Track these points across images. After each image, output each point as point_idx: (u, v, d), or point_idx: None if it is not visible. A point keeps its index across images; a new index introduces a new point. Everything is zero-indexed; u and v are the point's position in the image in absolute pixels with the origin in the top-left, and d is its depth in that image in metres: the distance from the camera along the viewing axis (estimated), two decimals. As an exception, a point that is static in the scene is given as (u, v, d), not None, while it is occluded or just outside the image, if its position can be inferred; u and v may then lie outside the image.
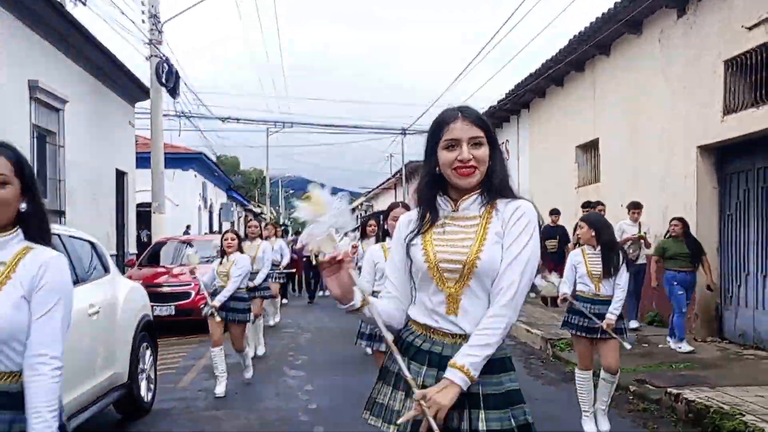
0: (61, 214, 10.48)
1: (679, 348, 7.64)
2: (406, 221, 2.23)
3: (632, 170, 10.09)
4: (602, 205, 9.20)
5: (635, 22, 9.62)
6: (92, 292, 4.76)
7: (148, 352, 5.92)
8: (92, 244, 5.31)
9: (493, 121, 16.59)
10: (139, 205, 15.83)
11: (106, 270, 5.33)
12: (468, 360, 1.96)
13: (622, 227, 8.83)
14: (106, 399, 4.85)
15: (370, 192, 43.32)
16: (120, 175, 13.99)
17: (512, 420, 2.01)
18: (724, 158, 8.47)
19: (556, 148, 13.33)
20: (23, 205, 2.01)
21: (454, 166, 2.06)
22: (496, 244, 2.05)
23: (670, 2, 8.71)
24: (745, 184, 8.13)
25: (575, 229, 5.82)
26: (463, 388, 1.95)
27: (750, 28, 7.35)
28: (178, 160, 21.55)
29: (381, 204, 40.93)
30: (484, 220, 2.09)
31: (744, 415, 4.90)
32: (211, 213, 28.40)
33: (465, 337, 2.04)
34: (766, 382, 6.04)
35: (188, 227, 20.55)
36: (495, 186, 2.09)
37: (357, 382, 6.36)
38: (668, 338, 8.00)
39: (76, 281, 4.51)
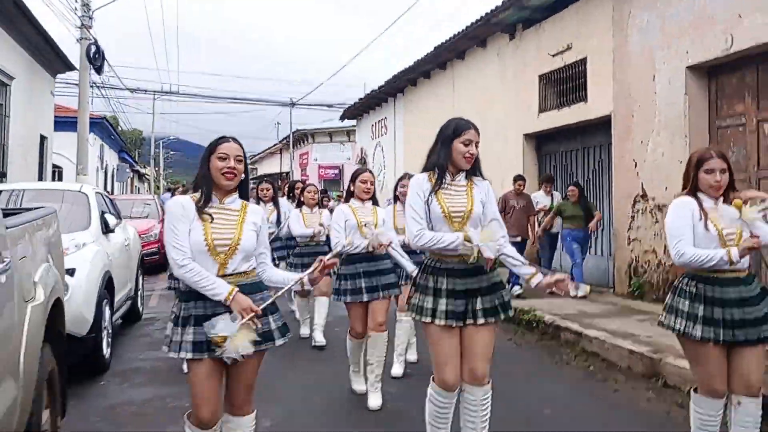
0: (3, 175, 11.85)
1: (578, 293, 8.65)
2: (420, 183, 3.22)
3: (480, 149, 13.06)
4: (522, 180, 9.59)
5: (482, 40, 12.60)
6: (123, 230, 7.16)
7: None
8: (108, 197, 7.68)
9: (373, 101, 19.30)
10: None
11: (119, 217, 7.36)
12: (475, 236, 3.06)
13: (537, 198, 9.76)
14: (125, 306, 6.98)
15: (255, 156, 44.99)
16: (42, 140, 15.12)
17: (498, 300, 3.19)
18: (540, 144, 11.64)
19: (424, 127, 15.75)
20: (243, 175, 2.94)
21: (465, 156, 3.19)
22: (480, 203, 3.22)
23: (505, 29, 11.72)
24: (554, 162, 11.38)
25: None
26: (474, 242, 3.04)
27: (553, 55, 10.50)
28: (73, 122, 22.38)
29: (266, 167, 42.65)
30: (468, 188, 3.25)
31: (536, 311, 7.71)
32: (106, 174, 29.13)
33: (462, 255, 3.10)
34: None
35: None
36: (475, 169, 3.29)
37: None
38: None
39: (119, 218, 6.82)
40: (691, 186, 3.30)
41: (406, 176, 5.29)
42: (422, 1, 14.06)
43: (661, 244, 8.16)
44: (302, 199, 6.68)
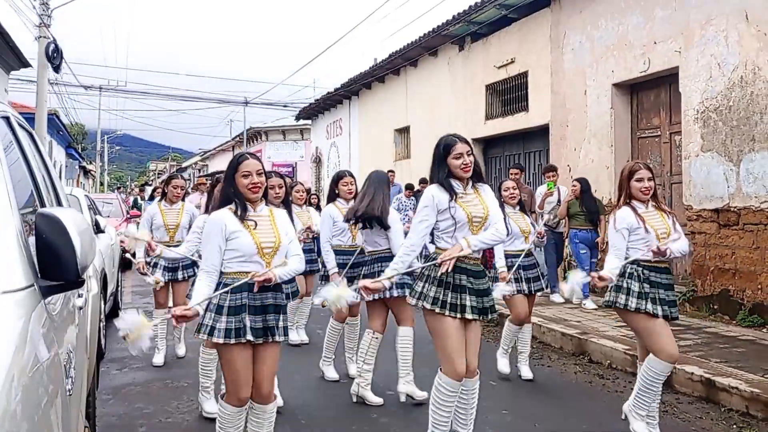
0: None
1: (584, 305, 8.12)
2: (435, 195, 3.43)
3: (430, 151, 13.98)
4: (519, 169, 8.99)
5: (433, 49, 13.53)
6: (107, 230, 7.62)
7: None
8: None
9: (329, 103, 20.01)
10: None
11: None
12: (473, 240, 3.38)
13: (541, 191, 8.89)
14: (110, 301, 7.56)
15: (207, 153, 44.99)
16: (-7, 139, 15.28)
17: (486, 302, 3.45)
18: (488, 147, 12.65)
19: (379, 129, 16.88)
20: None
21: (461, 167, 3.40)
22: (492, 206, 3.48)
23: (455, 41, 12.67)
24: (499, 165, 12.39)
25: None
26: (464, 251, 3.33)
27: (499, 68, 11.48)
28: (30, 120, 22.35)
29: (216, 164, 42.68)
30: (478, 195, 3.49)
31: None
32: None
33: (469, 257, 3.42)
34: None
35: None
36: (477, 176, 3.48)
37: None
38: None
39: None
40: (626, 195, 3.97)
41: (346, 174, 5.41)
42: (376, 14, 14.87)
43: (590, 241, 9.16)
44: (290, 198, 6.52)
